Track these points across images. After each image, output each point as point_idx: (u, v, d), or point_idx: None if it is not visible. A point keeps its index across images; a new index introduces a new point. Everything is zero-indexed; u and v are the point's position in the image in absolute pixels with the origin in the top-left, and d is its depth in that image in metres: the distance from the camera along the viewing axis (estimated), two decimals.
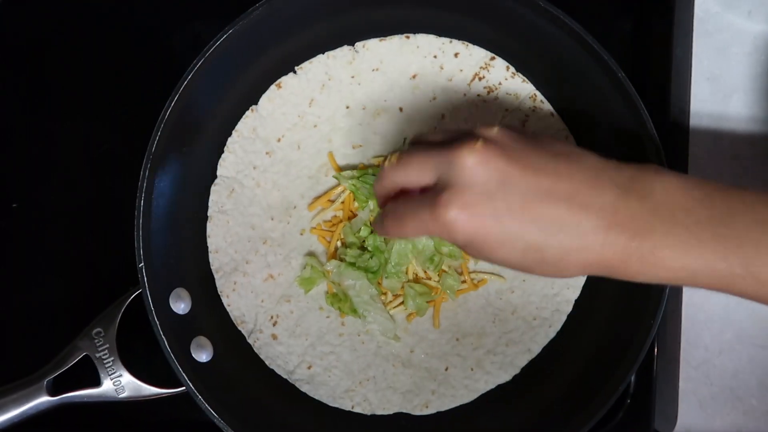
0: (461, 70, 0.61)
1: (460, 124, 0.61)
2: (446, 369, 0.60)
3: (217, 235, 0.60)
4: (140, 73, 0.65)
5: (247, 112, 0.60)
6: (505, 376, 0.59)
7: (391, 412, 0.59)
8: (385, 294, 0.61)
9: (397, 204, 0.46)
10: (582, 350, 0.58)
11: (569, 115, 0.60)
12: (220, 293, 0.60)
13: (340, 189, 0.61)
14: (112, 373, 0.55)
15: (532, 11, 0.56)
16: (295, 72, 0.61)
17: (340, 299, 0.60)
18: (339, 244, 0.61)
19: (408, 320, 0.61)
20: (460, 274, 0.61)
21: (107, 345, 0.55)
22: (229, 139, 0.60)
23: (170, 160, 0.56)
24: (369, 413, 0.59)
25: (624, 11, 0.66)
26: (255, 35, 0.57)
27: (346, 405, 0.59)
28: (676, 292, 0.63)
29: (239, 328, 0.60)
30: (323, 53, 0.60)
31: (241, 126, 0.60)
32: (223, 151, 0.60)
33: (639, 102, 0.55)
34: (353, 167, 0.61)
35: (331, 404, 0.59)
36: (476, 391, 0.59)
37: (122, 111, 0.65)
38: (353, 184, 0.60)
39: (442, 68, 0.61)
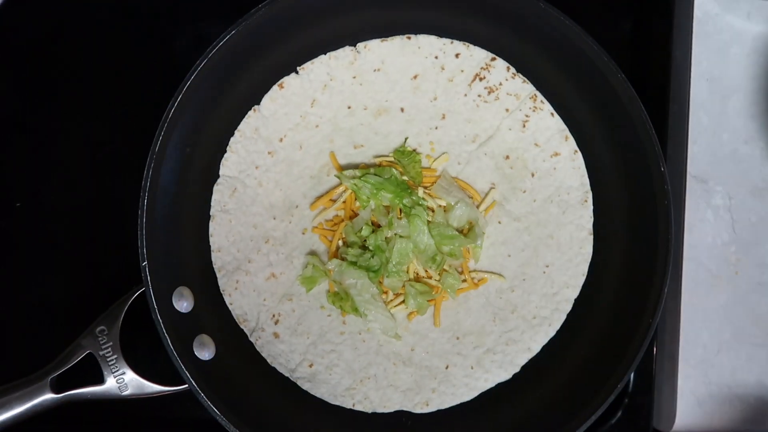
0: (462, 71, 0.61)
1: (460, 125, 0.62)
2: (447, 367, 0.60)
3: (220, 234, 0.60)
4: (143, 73, 0.66)
5: (250, 112, 0.61)
6: (505, 375, 0.60)
7: (391, 410, 0.60)
8: (386, 293, 0.61)
9: None
10: (581, 349, 0.59)
11: (569, 115, 0.61)
12: (222, 292, 0.60)
13: (341, 189, 0.61)
14: (115, 371, 0.56)
15: (532, 13, 0.56)
16: (297, 72, 0.61)
17: (341, 298, 0.60)
18: (340, 243, 0.61)
19: (409, 319, 0.61)
20: (461, 273, 0.61)
21: (110, 343, 0.56)
22: (232, 139, 0.61)
23: (173, 160, 0.57)
24: (370, 411, 0.60)
25: (624, 13, 0.66)
26: (257, 36, 0.57)
27: (347, 403, 0.60)
28: (676, 291, 0.63)
29: (241, 326, 0.60)
30: (325, 54, 0.61)
31: (243, 126, 0.61)
32: (225, 151, 0.60)
33: (638, 103, 0.55)
34: (355, 167, 0.62)
35: (332, 402, 0.60)
36: (476, 389, 0.60)
37: (125, 111, 0.65)
38: (355, 184, 0.60)
39: (443, 69, 0.61)
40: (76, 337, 0.56)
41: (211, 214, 0.60)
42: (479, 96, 0.61)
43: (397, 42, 0.61)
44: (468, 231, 0.61)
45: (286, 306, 0.61)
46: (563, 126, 0.61)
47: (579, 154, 0.61)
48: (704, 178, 0.63)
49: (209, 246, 0.60)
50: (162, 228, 0.56)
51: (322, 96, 0.61)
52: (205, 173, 0.60)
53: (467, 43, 0.61)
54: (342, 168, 0.62)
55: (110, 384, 0.56)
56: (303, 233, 0.62)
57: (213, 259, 0.60)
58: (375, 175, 0.60)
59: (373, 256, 0.59)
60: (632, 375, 0.62)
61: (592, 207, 0.60)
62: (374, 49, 0.61)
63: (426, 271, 0.61)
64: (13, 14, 0.66)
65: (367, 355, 0.60)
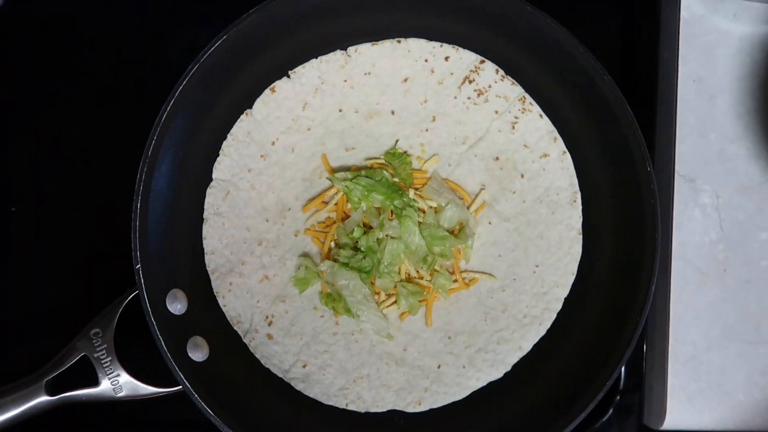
0: (452, 74, 0.62)
1: (450, 126, 0.62)
2: (439, 367, 0.61)
3: (213, 236, 0.61)
4: (136, 78, 0.66)
5: (242, 116, 0.61)
6: (496, 374, 0.60)
7: (384, 410, 0.60)
8: (378, 293, 0.62)
9: None
10: (572, 347, 0.59)
11: (558, 116, 0.61)
12: (216, 294, 0.60)
13: (333, 191, 0.62)
14: (109, 373, 0.56)
15: (520, 15, 0.57)
16: (288, 76, 0.62)
17: (334, 299, 0.61)
18: (333, 244, 0.62)
19: (401, 319, 0.62)
20: (452, 273, 0.62)
21: (105, 345, 0.56)
22: (224, 143, 0.61)
23: (166, 164, 0.57)
24: (363, 411, 0.60)
25: (611, 15, 0.67)
26: (249, 41, 0.58)
27: (340, 403, 0.60)
28: (665, 289, 0.64)
29: (235, 328, 0.61)
30: (316, 58, 0.61)
31: (236, 130, 0.61)
32: (218, 155, 0.61)
33: (625, 104, 0.56)
34: (346, 169, 0.62)
35: (325, 402, 0.60)
36: (468, 388, 0.60)
37: (118, 115, 0.66)
38: (346, 186, 0.61)
39: (433, 72, 0.62)
40: (71, 340, 0.57)
41: (204, 217, 0.61)
42: (469, 98, 0.62)
43: (387, 45, 0.61)
44: (459, 232, 0.62)
45: (280, 307, 0.61)
46: (552, 127, 0.62)
47: (568, 155, 0.61)
48: (692, 177, 0.64)
49: (202, 248, 0.60)
50: (155, 231, 0.57)
51: (314, 99, 0.62)
52: (198, 177, 0.60)
53: (456, 46, 0.62)
54: (334, 170, 0.63)
55: (105, 386, 0.56)
56: (295, 235, 0.62)
57: (206, 261, 0.60)
58: (366, 177, 0.61)
59: (364, 257, 0.60)
60: (623, 373, 0.63)
61: (581, 207, 0.61)
62: (365, 52, 0.61)
63: (417, 271, 0.61)
64: (8, 20, 0.67)
65: (360, 356, 0.61)
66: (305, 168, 0.63)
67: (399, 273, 0.61)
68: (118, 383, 0.56)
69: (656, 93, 0.65)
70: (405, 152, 0.63)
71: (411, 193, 0.61)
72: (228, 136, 0.61)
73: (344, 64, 0.62)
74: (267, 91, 0.61)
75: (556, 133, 0.61)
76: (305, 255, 0.62)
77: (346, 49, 0.62)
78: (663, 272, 0.64)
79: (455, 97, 0.62)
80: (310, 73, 0.62)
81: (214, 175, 0.61)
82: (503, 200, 0.62)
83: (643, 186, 0.56)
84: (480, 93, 0.62)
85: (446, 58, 0.62)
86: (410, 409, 0.60)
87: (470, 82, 0.62)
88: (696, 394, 0.63)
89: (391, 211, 0.61)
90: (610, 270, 0.59)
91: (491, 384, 0.60)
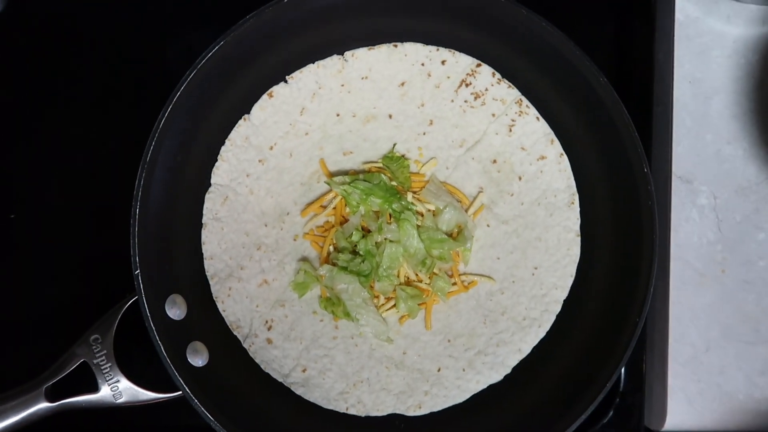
0: (448, 77, 0.62)
1: (448, 130, 0.63)
2: (438, 370, 0.61)
3: (212, 241, 0.61)
4: (134, 84, 0.67)
5: (240, 121, 0.62)
6: (496, 376, 0.60)
7: (384, 413, 0.60)
8: (377, 297, 0.62)
9: None
10: (571, 349, 0.59)
11: (554, 119, 0.62)
12: (215, 299, 0.60)
13: (331, 195, 0.62)
14: (109, 379, 0.56)
15: (516, 19, 0.57)
16: (286, 81, 0.62)
17: (333, 303, 0.61)
18: (331, 248, 0.62)
19: (400, 323, 0.62)
20: (451, 276, 0.62)
21: (104, 351, 0.56)
22: (223, 148, 0.61)
23: (165, 169, 0.57)
24: (363, 415, 0.60)
25: (606, 18, 0.67)
26: (246, 46, 0.58)
27: (340, 407, 0.60)
28: (664, 290, 0.64)
29: (234, 332, 0.61)
30: (313, 63, 0.62)
31: (234, 135, 0.62)
32: (216, 160, 0.61)
33: (621, 106, 0.56)
34: (344, 173, 0.62)
35: (325, 406, 0.60)
36: (468, 391, 0.60)
37: (117, 120, 0.66)
38: (345, 190, 0.61)
39: (429, 75, 0.62)
40: (71, 346, 0.56)
41: (203, 222, 0.61)
42: (466, 101, 0.62)
43: (383, 50, 0.62)
44: (457, 234, 0.62)
45: (279, 312, 0.61)
46: (549, 130, 0.62)
47: (565, 157, 0.62)
48: (689, 179, 0.64)
49: (201, 254, 0.61)
50: (154, 236, 0.57)
51: (311, 104, 0.62)
52: (196, 182, 0.61)
53: (453, 50, 0.62)
54: (332, 174, 0.63)
55: (105, 392, 0.56)
56: (294, 240, 0.62)
57: (205, 266, 0.61)
58: (364, 180, 0.61)
59: (363, 261, 0.60)
60: (623, 374, 0.63)
61: (578, 209, 0.61)
62: (361, 57, 0.62)
63: (416, 274, 0.61)
64: (7, 26, 0.67)
65: (360, 359, 0.61)
66: (303, 172, 0.63)
67: (398, 276, 0.61)
68: (118, 389, 0.56)
69: (652, 95, 0.65)
70: (403, 156, 0.63)
71: (409, 197, 0.61)
72: (226, 141, 0.61)
73: (341, 69, 0.62)
74: (265, 96, 0.62)
75: (553, 136, 0.62)
76: (304, 259, 0.62)
77: (342, 54, 0.62)
78: (661, 273, 0.64)
79: (452, 101, 0.62)
80: (307, 78, 0.62)
81: (212, 180, 0.61)
82: (501, 203, 0.62)
83: (640, 187, 0.56)
84: (477, 96, 0.62)
85: (443, 62, 0.62)
86: (410, 413, 0.60)
87: (467, 85, 0.62)
88: (696, 394, 0.63)
89: (390, 215, 0.61)
90: (608, 271, 0.59)
91: (491, 387, 0.60)
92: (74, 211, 0.65)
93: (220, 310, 0.60)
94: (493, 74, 0.62)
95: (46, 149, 0.66)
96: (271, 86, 0.62)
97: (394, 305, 0.61)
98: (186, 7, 0.67)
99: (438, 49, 0.62)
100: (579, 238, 0.61)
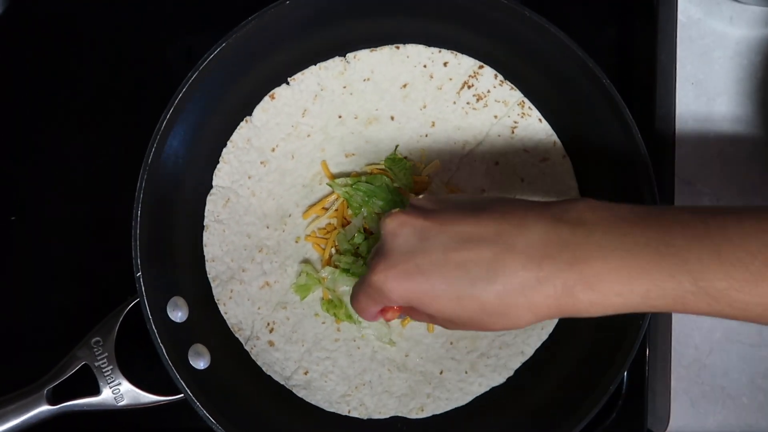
0: (450, 79, 0.62)
1: (450, 132, 0.63)
2: (441, 372, 0.61)
3: (214, 244, 0.61)
4: (136, 86, 0.67)
5: (242, 123, 0.61)
6: (498, 379, 0.60)
7: (387, 416, 0.60)
8: None
9: (354, 285, 0.48)
10: (573, 352, 0.59)
11: (557, 121, 0.62)
12: (216, 301, 0.60)
13: (333, 197, 0.62)
14: (110, 382, 0.56)
15: (518, 20, 0.57)
16: (288, 83, 0.62)
17: (335, 305, 0.61)
18: (333, 251, 0.62)
19: (403, 325, 0.62)
20: None
21: (106, 354, 0.56)
22: (224, 150, 0.61)
23: (166, 171, 0.57)
24: (365, 417, 0.60)
25: (609, 19, 0.67)
26: (248, 48, 0.58)
27: (342, 410, 0.60)
28: None
29: (236, 335, 0.60)
30: (315, 64, 0.62)
31: (235, 136, 0.61)
32: (218, 162, 0.61)
33: (624, 107, 0.56)
34: (346, 175, 0.62)
35: (327, 409, 0.60)
36: (471, 393, 0.60)
37: (118, 123, 0.66)
38: (347, 192, 0.61)
39: (431, 77, 0.62)
40: (72, 349, 0.56)
41: (204, 224, 0.61)
42: (468, 103, 0.62)
43: (386, 51, 0.62)
44: None
45: (281, 314, 0.61)
46: (551, 131, 0.62)
47: (567, 158, 0.61)
48: (692, 180, 0.64)
49: (203, 256, 0.60)
50: (156, 239, 0.57)
51: (313, 106, 0.62)
52: (198, 184, 0.60)
53: (455, 52, 0.62)
54: (334, 176, 0.63)
55: (106, 395, 0.56)
56: (296, 242, 0.62)
57: (207, 268, 0.60)
58: (366, 182, 0.61)
59: (365, 263, 0.60)
60: (625, 377, 0.63)
61: None
62: (363, 59, 0.62)
63: None
64: (6, 29, 0.67)
65: (362, 362, 0.61)
66: (305, 174, 0.63)
67: None
68: (120, 392, 0.56)
69: (655, 96, 0.65)
70: (405, 158, 0.63)
71: (412, 199, 0.61)
72: (228, 143, 0.61)
73: (343, 71, 0.62)
74: (266, 98, 0.62)
75: (555, 137, 0.62)
76: (306, 261, 0.62)
77: (344, 56, 0.62)
78: None
79: (454, 103, 0.62)
80: (309, 79, 0.62)
81: (214, 182, 0.61)
82: None
83: (643, 189, 0.56)
84: (479, 98, 0.62)
85: (445, 64, 0.62)
86: (413, 416, 0.60)
87: (469, 87, 0.62)
88: (699, 397, 0.62)
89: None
90: None
91: (494, 389, 0.60)
92: (75, 213, 0.65)
93: (222, 312, 0.60)
94: (496, 76, 0.62)
95: (47, 151, 0.66)
96: (272, 88, 0.62)
97: None
98: (187, 9, 0.67)
99: (440, 51, 0.62)
100: None
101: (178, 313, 0.57)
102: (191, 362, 0.57)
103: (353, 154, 0.63)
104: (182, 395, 0.55)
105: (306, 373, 0.60)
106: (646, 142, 0.56)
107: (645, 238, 0.39)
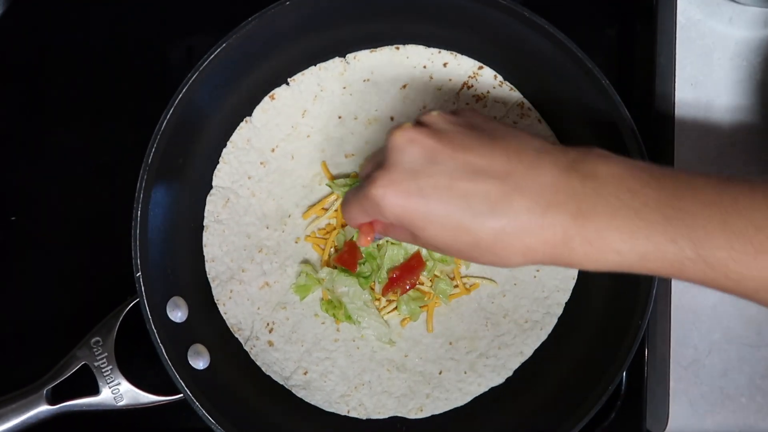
0: (450, 80, 0.62)
1: None
2: (440, 373, 0.61)
3: (213, 244, 0.61)
4: (136, 86, 0.67)
5: (242, 123, 0.61)
6: (498, 379, 0.60)
7: (386, 416, 0.60)
8: (378, 299, 0.62)
9: (347, 192, 0.47)
10: (573, 352, 0.59)
11: (556, 121, 0.62)
12: (216, 301, 0.60)
13: (333, 197, 0.62)
14: (110, 382, 0.56)
15: (518, 21, 0.57)
16: (287, 84, 0.62)
17: (334, 306, 0.61)
18: (333, 251, 0.62)
19: (402, 325, 0.62)
20: (452, 279, 0.62)
21: (105, 354, 0.56)
22: (224, 150, 0.61)
23: (166, 172, 0.57)
24: (364, 417, 0.60)
25: (608, 20, 0.67)
26: (248, 48, 0.58)
27: (341, 410, 0.60)
28: (665, 293, 0.64)
29: (236, 335, 0.60)
30: (315, 65, 0.62)
31: (235, 137, 0.61)
32: (218, 162, 0.61)
33: (623, 109, 0.56)
34: (346, 176, 0.62)
35: (327, 409, 0.60)
36: (470, 393, 0.60)
37: (119, 124, 0.66)
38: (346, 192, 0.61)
39: (431, 78, 0.62)
40: (71, 349, 0.56)
41: (204, 224, 0.61)
42: (467, 104, 0.62)
43: (385, 52, 0.62)
44: None
45: (280, 314, 0.61)
46: (550, 132, 0.62)
47: None
48: None
49: (203, 256, 0.61)
50: (155, 239, 0.57)
51: (313, 106, 0.62)
52: (198, 184, 0.61)
53: (455, 53, 0.62)
54: (334, 177, 0.63)
55: (105, 395, 0.56)
56: (296, 242, 0.62)
57: (207, 269, 0.61)
58: None
59: (364, 263, 0.60)
60: (624, 377, 0.63)
61: None
62: (363, 59, 0.62)
63: None
64: (7, 30, 0.67)
65: (362, 362, 0.61)
66: (305, 175, 0.63)
67: None
68: (119, 392, 0.56)
69: (654, 97, 0.65)
70: None
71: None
72: (228, 143, 0.61)
73: (343, 71, 0.62)
74: (266, 99, 0.62)
75: (554, 138, 0.62)
76: (306, 262, 0.62)
77: (344, 56, 0.62)
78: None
79: (454, 103, 0.62)
80: (309, 80, 0.62)
81: (214, 183, 0.61)
82: None
83: None
84: (479, 99, 0.62)
85: (444, 65, 0.62)
86: (412, 416, 0.60)
87: (469, 87, 0.62)
88: (698, 397, 0.63)
89: None
90: (611, 274, 0.58)
91: (493, 389, 0.60)
92: (75, 213, 0.65)
93: (222, 312, 0.60)
94: (495, 77, 0.62)
95: (46, 151, 0.66)
96: (272, 88, 0.62)
97: (396, 308, 0.61)
98: (187, 9, 0.67)
99: (440, 52, 0.62)
100: None
101: (177, 313, 0.57)
102: (191, 362, 0.57)
103: (353, 155, 0.63)
104: (182, 395, 0.55)
105: (305, 374, 0.60)
106: (646, 143, 0.56)
107: (654, 200, 0.38)
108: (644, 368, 0.63)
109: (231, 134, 0.61)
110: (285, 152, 0.62)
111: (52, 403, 0.55)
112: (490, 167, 0.40)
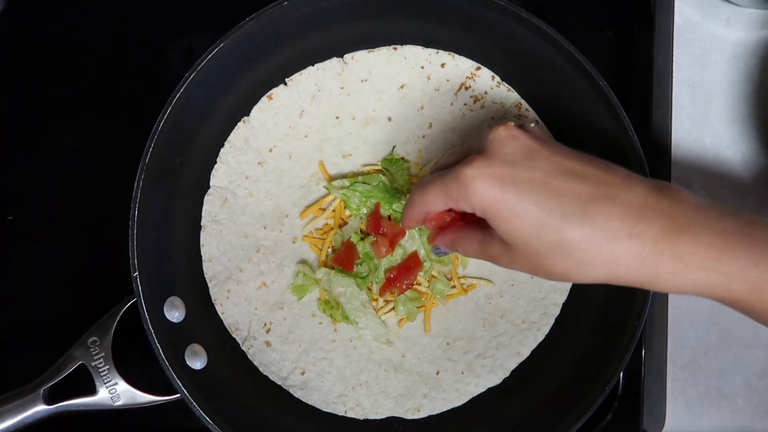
0: (448, 80, 0.62)
1: (447, 133, 0.63)
2: (437, 373, 0.61)
3: (211, 244, 0.61)
4: (134, 86, 0.67)
5: (239, 124, 0.61)
6: (495, 379, 0.60)
7: (383, 417, 0.60)
8: (376, 300, 0.62)
9: (426, 176, 0.46)
10: (570, 352, 0.59)
11: (554, 122, 0.62)
12: (213, 301, 0.60)
13: (331, 197, 0.62)
14: (107, 382, 0.56)
15: (515, 22, 0.57)
16: (285, 84, 0.62)
17: (332, 306, 0.61)
18: (330, 251, 0.62)
19: (399, 325, 0.62)
20: (450, 279, 0.62)
21: (102, 354, 0.56)
22: (222, 150, 0.61)
23: (164, 171, 0.57)
24: (362, 418, 0.60)
25: (606, 21, 0.67)
26: (246, 48, 0.58)
27: (339, 410, 0.60)
28: (662, 294, 0.64)
29: (233, 335, 0.60)
30: (313, 65, 0.62)
31: (233, 137, 0.61)
32: (215, 162, 0.61)
33: (620, 109, 0.56)
34: (344, 176, 0.62)
35: (324, 409, 0.60)
36: (467, 394, 0.60)
37: (117, 124, 0.66)
38: (344, 193, 0.61)
39: (429, 78, 0.62)
40: (68, 348, 0.56)
41: (201, 224, 0.61)
42: (465, 105, 0.62)
43: (383, 52, 0.62)
44: None
45: (278, 314, 0.61)
46: (548, 133, 0.62)
47: None
48: (688, 182, 0.64)
49: (200, 256, 0.60)
50: (153, 239, 0.57)
51: (311, 106, 0.62)
52: (195, 184, 0.60)
53: (452, 53, 0.62)
54: (331, 177, 0.63)
55: (102, 395, 0.56)
56: (293, 242, 0.62)
57: (204, 268, 0.60)
58: (364, 183, 0.61)
59: (361, 264, 0.60)
60: (621, 378, 0.63)
61: None
62: (361, 59, 0.62)
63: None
64: (6, 30, 0.67)
65: (359, 362, 0.61)
66: (302, 175, 0.63)
67: None
68: (116, 392, 0.56)
69: (651, 98, 0.65)
70: (402, 158, 0.63)
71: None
72: (225, 143, 0.61)
73: (341, 72, 0.62)
74: (264, 99, 0.62)
75: (552, 139, 0.62)
76: (303, 262, 0.62)
77: (342, 56, 0.62)
78: None
79: (451, 104, 0.62)
80: (306, 80, 0.62)
81: (211, 183, 0.61)
82: None
83: None
84: (476, 99, 0.62)
85: (442, 65, 0.62)
86: (409, 416, 0.60)
87: (466, 88, 0.62)
88: (695, 398, 0.63)
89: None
90: None
91: (490, 390, 0.60)
92: (73, 213, 0.65)
93: (219, 312, 0.60)
94: (493, 77, 0.62)
95: (45, 150, 0.66)
96: (270, 88, 0.62)
97: (393, 308, 0.61)
98: (187, 9, 0.67)
99: (438, 52, 0.62)
100: None
101: (174, 313, 0.57)
102: (188, 362, 0.57)
103: (350, 155, 0.63)
104: (179, 395, 0.55)
105: (303, 374, 0.60)
106: (643, 144, 0.56)
107: (732, 227, 0.40)
108: (641, 369, 0.63)
109: (229, 134, 0.61)
110: (283, 152, 0.62)
111: (48, 403, 0.55)
112: (584, 172, 0.41)
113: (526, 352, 0.61)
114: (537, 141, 0.43)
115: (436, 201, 0.45)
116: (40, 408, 0.55)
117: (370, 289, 0.61)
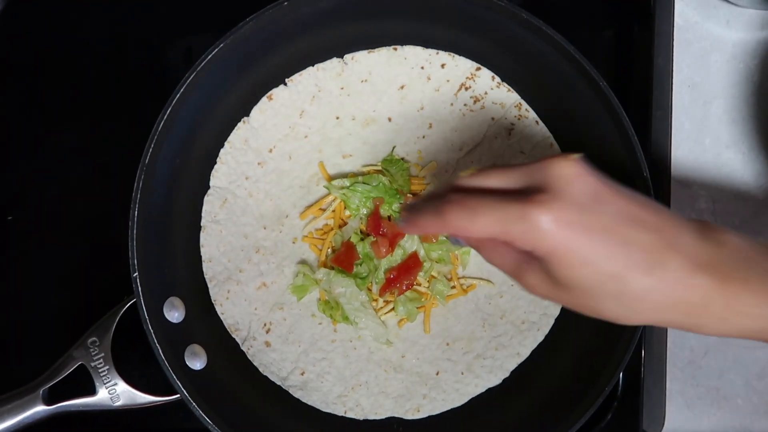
0: (448, 81, 0.62)
1: (447, 133, 0.63)
2: (437, 373, 0.61)
3: (211, 244, 0.61)
4: (134, 87, 0.67)
5: (239, 124, 0.61)
6: (495, 380, 0.60)
7: (383, 417, 0.60)
8: (376, 300, 0.62)
9: (465, 195, 0.42)
10: (570, 352, 0.59)
11: (554, 123, 0.62)
12: (213, 302, 0.60)
13: (330, 198, 0.62)
14: (107, 382, 0.56)
15: (515, 23, 0.57)
16: (285, 84, 0.62)
17: (332, 307, 0.61)
18: (330, 252, 0.62)
19: (399, 326, 0.62)
20: (450, 279, 0.62)
21: (102, 354, 0.56)
22: (222, 150, 0.61)
23: (163, 172, 0.57)
24: (362, 418, 0.60)
25: (606, 22, 0.67)
26: (246, 49, 0.58)
27: (338, 410, 0.60)
28: None
29: (233, 335, 0.60)
30: (313, 65, 0.62)
31: (233, 137, 0.61)
32: (215, 162, 0.61)
33: (620, 109, 0.56)
34: (343, 176, 0.62)
35: (324, 410, 0.60)
36: (467, 394, 0.60)
37: (117, 124, 0.66)
38: (344, 193, 0.61)
39: (429, 79, 0.62)
40: (68, 349, 0.56)
41: (201, 224, 0.61)
42: (465, 105, 0.62)
43: (383, 53, 0.62)
44: None
45: (278, 315, 0.61)
46: (548, 133, 0.62)
47: None
48: (688, 183, 0.64)
49: (200, 256, 0.60)
50: (152, 239, 0.57)
51: (311, 107, 0.62)
52: (195, 184, 0.60)
53: (452, 54, 0.62)
54: (331, 177, 0.63)
55: (102, 395, 0.56)
56: (293, 242, 0.62)
57: (204, 269, 0.60)
58: (364, 183, 0.61)
59: (361, 264, 0.60)
60: (621, 378, 0.63)
61: None
62: (361, 60, 0.62)
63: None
64: (5, 30, 0.67)
65: (359, 363, 0.61)
66: (302, 175, 0.63)
67: None
68: (116, 392, 0.56)
69: (651, 99, 0.65)
70: (402, 159, 0.63)
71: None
72: (225, 143, 0.61)
73: (341, 72, 0.62)
74: (264, 99, 0.62)
75: (552, 140, 0.62)
76: (303, 262, 0.62)
77: (342, 57, 0.62)
78: None
79: (451, 104, 0.62)
80: (306, 80, 0.62)
81: (211, 183, 0.61)
82: None
83: (639, 191, 0.56)
84: (476, 100, 0.62)
85: (442, 66, 0.62)
86: (409, 416, 0.60)
87: (466, 89, 0.62)
88: (694, 399, 0.63)
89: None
90: None
91: (490, 390, 0.60)
92: (72, 213, 0.65)
93: (219, 312, 0.60)
94: (493, 78, 0.62)
95: (44, 150, 0.66)
96: (270, 89, 0.62)
97: (393, 308, 0.61)
98: (187, 9, 0.67)
99: (438, 53, 0.62)
100: None
101: (174, 314, 0.57)
102: (188, 362, 0.57)
103: (350, 155, 0.63)
104: (178, 396, 0.55)
105: (303, 374, 0.60)
106: (643, 145, 0.56)
107: None
108: (641, 369, 0.63)
109: (228, 134, 0.61)
110: (282, 153, 0.62)
111: (48, 404, 0.55)
112: (645, 218, 0.40)
113: (525, 353, 0.61)
114: (600, 181, 0.41)
115: (484, 230, 0.41)
116: (40, 408, 0.55)
117: (369, 290, 0.61)
